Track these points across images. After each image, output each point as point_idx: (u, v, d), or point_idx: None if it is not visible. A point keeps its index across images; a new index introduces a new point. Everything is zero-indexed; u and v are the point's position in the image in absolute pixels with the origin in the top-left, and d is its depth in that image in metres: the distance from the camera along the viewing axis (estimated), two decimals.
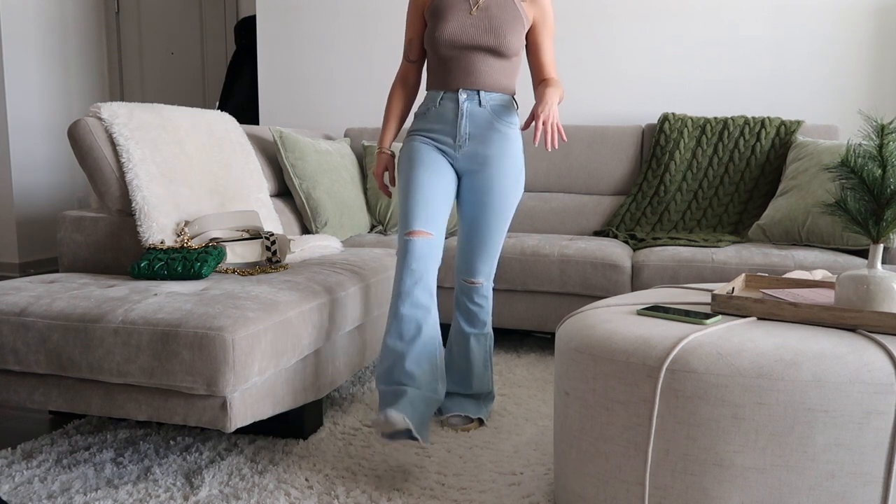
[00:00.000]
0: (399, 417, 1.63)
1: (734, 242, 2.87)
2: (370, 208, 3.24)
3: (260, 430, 2.02)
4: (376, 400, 2.30)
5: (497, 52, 1.93)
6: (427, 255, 1.84)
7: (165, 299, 1.70)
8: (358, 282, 2.15)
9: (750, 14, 3.41)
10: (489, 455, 1.88)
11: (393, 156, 2.07)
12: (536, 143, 1.79)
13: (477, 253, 2.02)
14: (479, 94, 1.95)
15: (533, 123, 1.84)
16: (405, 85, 2.09)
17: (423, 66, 2.10)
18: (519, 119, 2.23)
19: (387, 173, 2.04)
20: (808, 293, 1.62)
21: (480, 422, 2.07)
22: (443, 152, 1.98)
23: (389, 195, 2.09)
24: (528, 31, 2.00)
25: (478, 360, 2.10)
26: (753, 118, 3.19)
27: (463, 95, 1.94)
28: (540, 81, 2.02)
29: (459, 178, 2.02)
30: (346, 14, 3.95)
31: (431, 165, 1.94)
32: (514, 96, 2.00)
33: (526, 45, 2.02)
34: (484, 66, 1.94)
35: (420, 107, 2.04)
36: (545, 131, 1.78)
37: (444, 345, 2.61)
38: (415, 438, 1.66)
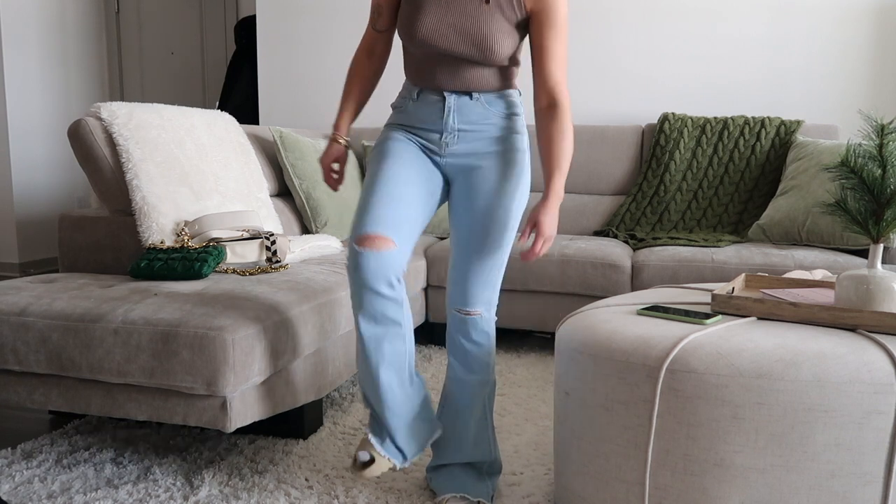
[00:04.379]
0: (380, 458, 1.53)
1: (734, 242, 2.87)
2: None
3: (260, 430, 2.02)
4: None
5: (484, 63, 1.53)
6: (377, 267, 1.46)
7: (165, 299, 1.70)
8: None
9: (750, 14, 3.41)
10: None
11: (348, 146, 1.68)
12: (521, 243, 1.50)
13: (474, 274, 1.59)
14: (470, 93, 1.56)
15: (530, 233, 1.49)
16: (370, 56, 1.65)
17: (394, 34, 1.67)
18: (524, 112, 1.79)
19: (337, 165, 1.68)
20: (808, 293, 1.62)
21: None
22: (427, 151, 1.59)
23: (336, 188, 1.68)
24: (531, 26, 1.53)
25: (475, 415, 1.65)
26: (753, 118, 3.19)
27: (451, 97, 1.56)
28: (544, 105, 1.54)
29: (449, 182, 1.64)
30: (346, 14, 3.95)
31: (408, 159, 1.56)
32: (517, 90, 1.64)
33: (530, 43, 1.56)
34: (471, 71, 1.55)
35: (397, 98, 1.66)
36: (534, 249, 1.46)
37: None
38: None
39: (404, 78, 3.83)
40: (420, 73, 1.58)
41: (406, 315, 1.52)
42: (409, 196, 1.53)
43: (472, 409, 1.63)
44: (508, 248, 1.60)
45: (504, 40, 1.50)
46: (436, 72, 1.55)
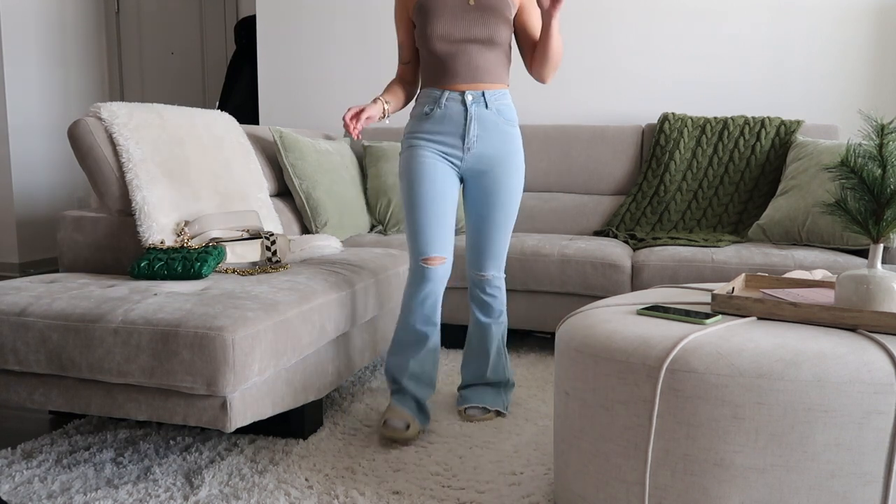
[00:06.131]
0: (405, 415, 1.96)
1: (734, 242, 2.87)
2: (370, 208, 3.24)
3: (260, 430, 2.02)
4: (376, 400, 2.30)
5: (490, 42, 1.94)
6: (442, 277, 1.98)
7: (165, 299, 1.70)
8: (358, 282, 2.14)
9: (750, 14, 3.41)
10: (489, 455, 1.88)
11: (385, 113, 1.99)
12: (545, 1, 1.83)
13: (486, 248, 2.09)
14: (484, 95, 1.97)
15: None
16: (403, 83, 2.11)
17: (418, 65, 2.10)
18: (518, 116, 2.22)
19: (365, 117, 1.91)
20: (808, 293, 1.62)
21: (498, 413, 2.16)
22: (447, 157, 1.98)
23: (355, 135, 1.88)
24: (517, 14, 2.02)
25: (491, 347, 2.16)
26: (753, 118, 3.19)
27: (469, 97, 1.96)
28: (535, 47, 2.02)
29: (464, 179, 2.06)
30: (346, 14, 3.95)
31: (437, 178, 1.96)
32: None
33: (514, 31, 2.04)
34: (481, 60, 1.95)
35: (417, 106, 2.03)
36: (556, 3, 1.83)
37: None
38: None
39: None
40: (439, 74, 1.97)
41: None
42: (447, 213, 1.97)
43: (491, 343, 2.16)
44: (512, 226, 2.09)
45: (498, 21, 1.94)
46: (454, 65, 1.95)
